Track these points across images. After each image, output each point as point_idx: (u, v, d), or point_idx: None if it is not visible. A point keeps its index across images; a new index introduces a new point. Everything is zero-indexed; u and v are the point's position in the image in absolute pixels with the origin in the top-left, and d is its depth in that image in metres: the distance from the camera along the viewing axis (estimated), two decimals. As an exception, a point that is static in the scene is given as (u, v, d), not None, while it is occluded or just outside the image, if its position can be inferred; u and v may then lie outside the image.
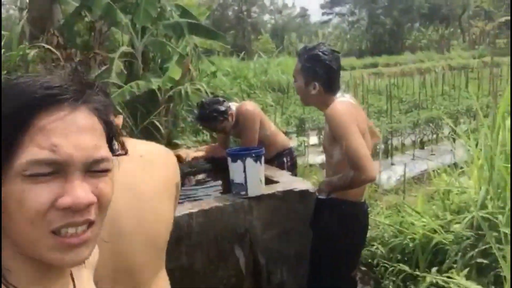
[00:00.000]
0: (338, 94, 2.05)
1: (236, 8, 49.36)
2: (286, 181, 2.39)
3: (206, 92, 6.35)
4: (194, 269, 2.02)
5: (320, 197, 2.15)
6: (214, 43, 10.50)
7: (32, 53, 4.54)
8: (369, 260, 3.42)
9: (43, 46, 6.22)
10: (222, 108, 2.87)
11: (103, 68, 6.01)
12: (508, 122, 3.02)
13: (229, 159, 2.14)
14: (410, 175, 5.43)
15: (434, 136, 6.82)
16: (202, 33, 7.33)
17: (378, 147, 6.47)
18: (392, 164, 6.22)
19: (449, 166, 4.58)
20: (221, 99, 2.95)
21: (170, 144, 6.30)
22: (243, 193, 2.13)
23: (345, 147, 1.86)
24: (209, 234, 2.03)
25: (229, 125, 2.93)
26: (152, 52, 7.26)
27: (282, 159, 3.11)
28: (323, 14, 52.77)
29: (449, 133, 6.56)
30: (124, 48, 6.75)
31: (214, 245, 2.06)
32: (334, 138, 1.94)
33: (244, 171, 2.10)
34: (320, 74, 1.98)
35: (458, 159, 4.96)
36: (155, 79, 6.63)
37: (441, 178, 3.66)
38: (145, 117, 6.35)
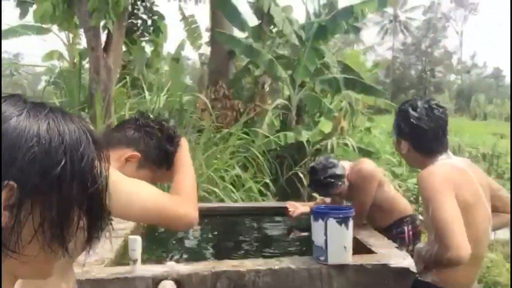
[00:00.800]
0: (442, 156, 1.68)
1: (419, 67, 47.68)
2: (384, 254, 2.03)
3: (353, 147, 6.11)
4: (256, 334, 1.82)
5: (419, 278, 1.76)
6: (378, 100, 10.24)
7: (185, 99, 5.09)
8: None
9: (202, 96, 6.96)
10: (338, 172, 2.57)
11: (251, 115, 6.36)
12: None
13: (311, 217, 1.93)
14: None
15: None
16: (359, 89, 7.18)
17: None
18: None
19: None
20: (334, 160, 2.65)
21: (310, 197, 6.19)
22: (322, 258, 1.87)
23: (431, 215, 1.51)
24: (276, 298, 1.82)
25: (344, 188, 2.65)
26: (306, 105, 7.40)
27: (403, 227, 2.67)
28: (521, 74, 46.98)
29: None
30: (279, 101, 7.05)
31: (282, 312, 1.83)
32: (426, 207, 1.59)
33: (325, 233, 1.85)
34: (405, 132, 1.68)
35: None
36: (305, 131, 6.71)
37: None
38: (291, 168, 6.41)
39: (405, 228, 2.67)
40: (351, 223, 1.88)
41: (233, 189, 5.02)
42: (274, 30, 7.53)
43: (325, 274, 1.85)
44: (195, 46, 9.25)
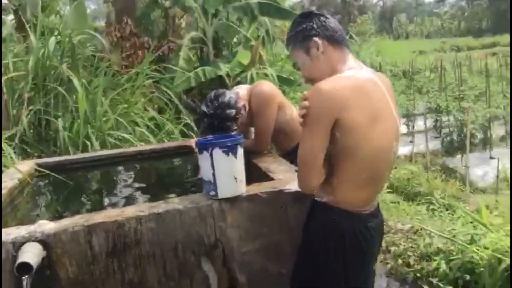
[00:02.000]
0: (352, 62, 1.55)
1: (343, -8, 47.49)
2: (283, 179, 1.88)
3: (273, 77, 5.91)
4: (147, 285, 1.64)
5: (316, 199, 1.63)
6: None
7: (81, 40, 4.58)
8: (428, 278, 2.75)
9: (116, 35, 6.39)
10: (232, 108, 2.26)
11: (162, 52, 5.92)
12: None
13: (197, 151, 1.71)
14: None
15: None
16: (275, 14, 6.83)
17: (476, 135, 5.45)
18: (491, 157, 5.19)
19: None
20: (226, 94, 2.30)
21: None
22: (212, 193, 1.68)
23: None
24: (165, 243, 1.62)
25: (244, 117, 2.42)
26: (222, 37, 7.00)
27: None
28: (438, -8, 48.51)
29: None
30: (192, 34, 6.60)
31: (174, 257, 1.65)
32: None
33: (212, 166, 1.65)
34: (317, 27, 1.54)
35: None
36: (224, 65, 6.38)
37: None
38: (213, 104, 6.14)
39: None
40: (240, 151, 1.68)
41: (149, 134, 4.68)
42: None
43: (216, 210, 1.67)
44: (96, -18, 8.33)
